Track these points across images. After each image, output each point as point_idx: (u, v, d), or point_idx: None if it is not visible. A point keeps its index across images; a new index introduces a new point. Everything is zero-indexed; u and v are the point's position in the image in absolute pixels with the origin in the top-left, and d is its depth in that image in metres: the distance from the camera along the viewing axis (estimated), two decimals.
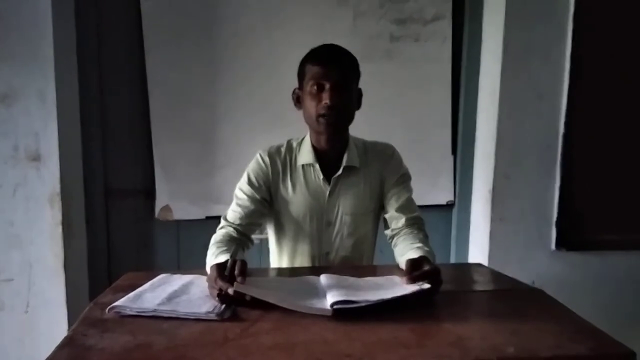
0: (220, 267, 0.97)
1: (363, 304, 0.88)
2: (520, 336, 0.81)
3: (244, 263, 0.98)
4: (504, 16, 1.85)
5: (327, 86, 1.16)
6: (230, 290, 0.90)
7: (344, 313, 0.86)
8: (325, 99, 1.16)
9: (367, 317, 0.87)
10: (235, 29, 1.94)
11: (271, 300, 0.89)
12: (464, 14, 2.05)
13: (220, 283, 0.92)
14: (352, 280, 1.05)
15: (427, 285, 0.93)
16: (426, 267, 1.00)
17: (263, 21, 1.95)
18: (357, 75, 1.23)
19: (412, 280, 0.96)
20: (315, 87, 1.17)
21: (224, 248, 1.13)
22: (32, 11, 1.64)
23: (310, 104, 1.18)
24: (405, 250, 1.15)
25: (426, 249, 1.14)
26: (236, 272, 0.93)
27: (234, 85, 1.96)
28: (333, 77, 1.16)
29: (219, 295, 0.92)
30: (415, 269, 1.01)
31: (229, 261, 0.98)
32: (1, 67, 1.65)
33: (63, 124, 1.72)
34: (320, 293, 0.96)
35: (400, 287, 0.97)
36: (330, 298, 0.89)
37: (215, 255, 1.10)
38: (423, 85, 2.05)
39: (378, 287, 1.00)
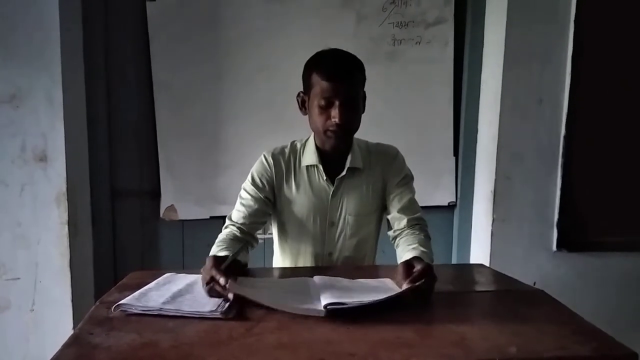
0: (217, 259, 0.98)
1: (356, 304, 0.87)
2: (523, 337, 0.82)
3: (239, 264, 0.99)
4: (506, 19, 1.86)
5: (337, 103, 1.14)
6: (222, 281, 0.90)
7: (337, 314, 0.86)
8: (335, 117, 1.14)
9: (370, 317, 0.87)
10: (240, 31, 1.96)
11: (263, 302, 0.88)
12: (466, 17, 2.06)
13: (214, 272, 0.92)
14: (345, 282, 1.05)
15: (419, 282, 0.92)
16: (417, 267, 0.99)
17: (267, 23, 1.96)
18: (364, 82, 1.22)
19: (408, 283, 0.94)
20: (323, 102, 1.15)
21: (225, 246, 1.14)
22: (40, 13, 1.66)
23: (318, 118, 1.18)
24: (403, 253, 1.16)
25: (422, 249, 1.13)
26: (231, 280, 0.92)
27: (239, 86, 1.97)
28: (343, 95, 1.14)
29: (207, 284, 0.92)
30: (407, 272, 0.99)
31: (229, 257, 0.98)
32: (9, 68, 1.67)
33: (70, 125, 1.74)
34: (313, 294, 0.96)
35: (393, 290, 0.97)
36: (324, 299, 0.89)
37: (214, 254, 1.11)
38: (425, 87, 2.06)
39: (371, 289, 1.00)
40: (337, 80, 1.14)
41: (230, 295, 0.89)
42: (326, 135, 1.19)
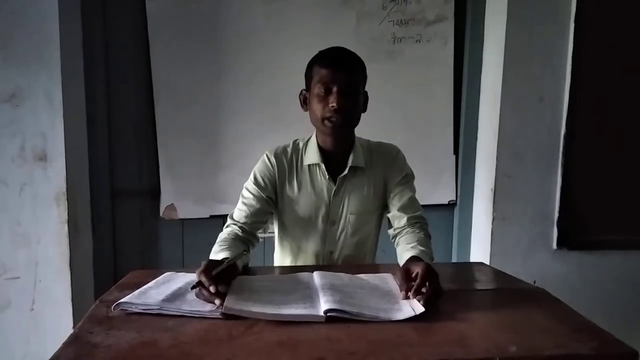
0: (210, 263, 0.97)
1: (355, 316, 0.86)
2: (523, 335, 0.82)
3: (236, 268, 1.00)
4: (506, 17, 1.86)
5: (335, 89, 1.16)
6: (212, 289, 0.89)
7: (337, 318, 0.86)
8: (333, 102, 1.16)
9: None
10: (240, 30, 1.95)
11: (261, 317, 0.87)
12: (466, 15, 2.06)
13: (203, 278, 0.91)
14: (346, 279, 1.04)
15: (420, 310, 0.89)
16: (416, 270, 0.97)
17: (267, 22, 1.96)
18: (364, 78, 1.23)
19: (414, 294, 0.93)
20: (322, 90, 1.17)
21: (225, 246, 1.14)
22: (39, 12, 1.65)
23: (317, 106, 1.19)
24: (403, 252, 1.15)
25: (421, 248, 1.12)
26: (220, 288, 0.90)
27: (239, 85, 1.97)
28: (341, 81, 1.16)
29: (193, 287, 0.91)
30: (408, 278, 0.98)
31: (223, 263, 0.98)
32: (9, 67, 1.67)
33: (69, 124, 1.73)
34: (314, 294, 0.96)
35: (394, 298, 0.96)
36: (325, 304, 0.88)
37: (215, 253, 1.12)
38: (425, 85, 2.06)
39: (372, 291, 0.99)
40: (336, 66, 1.17)
41: (217, 301, 0.89)
42: (325, 125, 1.19)
